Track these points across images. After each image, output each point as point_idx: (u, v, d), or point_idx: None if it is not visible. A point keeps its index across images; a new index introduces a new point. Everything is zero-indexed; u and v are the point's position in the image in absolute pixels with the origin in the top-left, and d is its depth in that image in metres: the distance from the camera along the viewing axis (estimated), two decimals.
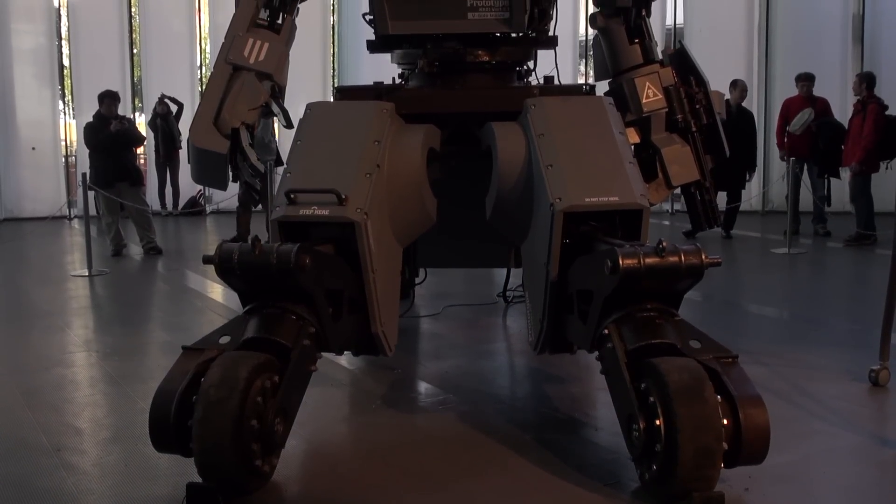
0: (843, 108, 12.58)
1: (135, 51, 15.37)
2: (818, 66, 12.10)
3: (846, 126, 11.12)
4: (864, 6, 14.07)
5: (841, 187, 11.86)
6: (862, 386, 4.84)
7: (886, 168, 10.53)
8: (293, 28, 4.87)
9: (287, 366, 3.45)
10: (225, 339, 3.57)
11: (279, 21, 4.80)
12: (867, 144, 10.27)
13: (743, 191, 11.57)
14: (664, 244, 3.41)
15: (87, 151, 10.73)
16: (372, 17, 4.88)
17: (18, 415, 4.56)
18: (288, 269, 3.47)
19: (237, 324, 3.65)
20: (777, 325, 6.89)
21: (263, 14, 4.77)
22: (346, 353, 4.26)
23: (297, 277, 3.50)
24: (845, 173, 11.22)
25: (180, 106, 14.31)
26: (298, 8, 4.91)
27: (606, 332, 3.51)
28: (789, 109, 11.47)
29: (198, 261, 3.89)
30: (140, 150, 13.03)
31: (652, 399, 3.19)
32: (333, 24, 15.76)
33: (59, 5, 14.95)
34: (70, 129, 15.42)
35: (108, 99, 10.57)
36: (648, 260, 3.39)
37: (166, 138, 14.30)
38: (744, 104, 11.63)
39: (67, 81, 15.23)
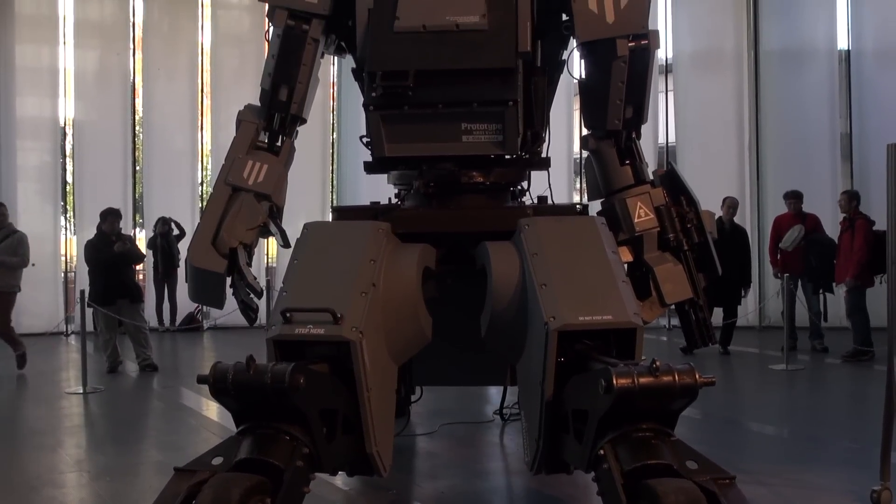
0: (834, 224, 12.73)
1: (137, 168, 15.65)
2: (808, 183, 12.33)
3: (836, 241, 11.24)
4: (852, 124, 14.42)
5: (836, 302, 11.89)
6: None
7: (880, 282, 10.59)
8: (292, 150, 4.98)
9: (280, 487, 3.40)
10: (217, 460, 3.52)
11: (278, 143, 4.92)
12: (860, 259, 10.37)
13: (739, 306, 11.62)
14: (657, 364, 3.41)
15: (87, 268, 10.79)
16: (369, 139, 5.00)
17: None
18: (282, 389, 3.46)
19: (230, 444, 3.60)
20: (776, 443, 6.82)
21: (263, 136, 4.89)
22: (340, 473, 4.20)
23: (291, 397, 3.48)
24: (839, 288, 11.28)
25: (182, 232, 14.44)
26: (297, 130, 5.03)
27: (602, 452, 3.46)
28: (780, 227, 11.63)
29: (193, 378, 3.87)
30: (139, 267, 13.11)
31: None
32: (333, 143, 16.08)
33: (65, 123, 15.29)
34: (70, 245, 15.55)
35: (111, 217, 10.69)
36: (643, 379, 3.38)
37: (165, 256, 14.41)
38: (736, 220, 11.81)
39: (70, 198, 15.45)
